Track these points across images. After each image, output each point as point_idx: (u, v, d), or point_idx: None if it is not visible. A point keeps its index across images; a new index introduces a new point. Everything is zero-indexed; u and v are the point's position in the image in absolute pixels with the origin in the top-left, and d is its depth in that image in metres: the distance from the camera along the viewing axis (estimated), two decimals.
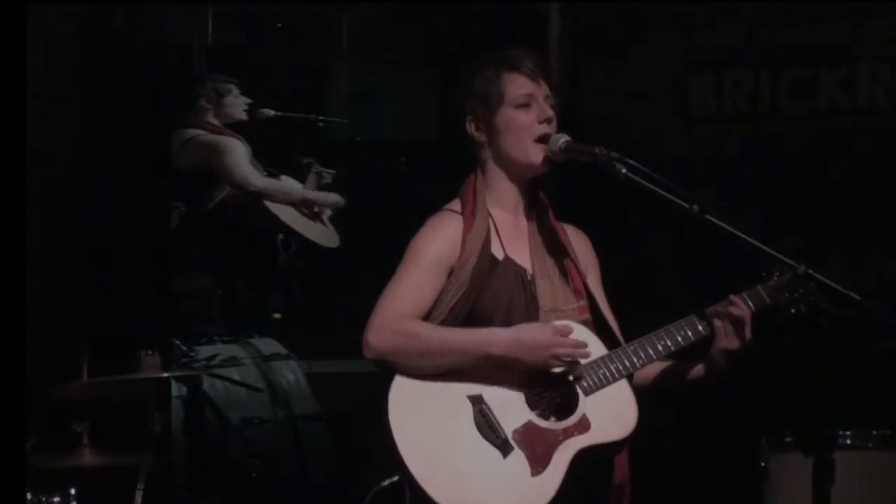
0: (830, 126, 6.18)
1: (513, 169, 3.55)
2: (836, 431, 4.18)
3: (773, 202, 6.05)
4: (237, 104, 6.66)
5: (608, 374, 3.39)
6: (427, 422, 3.30)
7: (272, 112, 6.72)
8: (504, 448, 3.30)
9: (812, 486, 3.79)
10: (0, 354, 3.30)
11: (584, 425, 3.33)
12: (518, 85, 3.52)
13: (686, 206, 3.37)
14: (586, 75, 6.37)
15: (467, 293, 3.42)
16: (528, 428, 3.32)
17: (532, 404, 3.36)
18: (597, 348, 3.42)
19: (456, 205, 3.55)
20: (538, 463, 3.29)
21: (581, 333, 3.41)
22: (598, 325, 3.50)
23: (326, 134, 6.86)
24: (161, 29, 5.72)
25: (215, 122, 6.62)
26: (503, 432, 3.31)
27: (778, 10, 6.14)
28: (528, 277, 3.50)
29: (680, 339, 3.46)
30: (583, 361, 3.38)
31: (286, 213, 6.74)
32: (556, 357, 3.34)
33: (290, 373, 5.94)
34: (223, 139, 6.60)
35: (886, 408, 4.69)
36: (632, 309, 3.65)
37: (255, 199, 6.63)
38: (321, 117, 6.83)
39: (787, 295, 3.48)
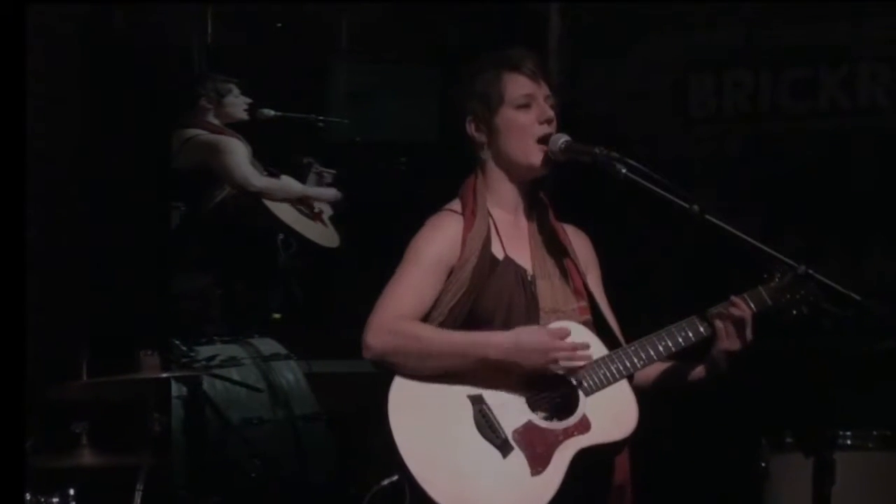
0: (830, 126, 6.17)
1: (513, 169, 3.54)
2: (837, 432, 4.18)
3: (773, 202, 6.04)
4: (237, 104, 6.66)
5: (609, 374, 3.39)
6: (427, 422, 3.30)
7: (272, 112, 6.72)
8: (504, 448, 3.30)
9: (812, 487, 3.78)
10: (0, 354, 3.30)
11: (584, 425, 3.33)
12: (518, 85, 3.52)
13: (686, 206, 3.36)
14: (586, 75, 6.37)
15: (467, 293, 3.42)
16: (528, 428, 3.32)
17: (532, 404, 3.36)
18: (597, 349, 3.42)
19: (456, 205, 3.55)
20: (538, 463, 3.29)
21: (581, 334, 3.41)
22: (598, 326, 3.50)
23: (326, 134, 6.85)
24: (161, 29, 5.71)
25: (215, 121, 6.61)
26: (503, 432, 3.31)
27: (778, 10, 6.13)
28: (529, 278, 3.49)
29: (681, 339, 3.46)
30: (583, 363, 3.38)
31: (286, 213, 6.73)
32: (555, 361, 3.34)
33: (290, 373, 5.95)
34: (223, 139, 6.59)
35: (887, 408, 4.69)
36: (632, 309, 3.65)
37: (255, 199, 6.62)
38: (321, 117, 6.83)
39: (788, 296, 3.47)
